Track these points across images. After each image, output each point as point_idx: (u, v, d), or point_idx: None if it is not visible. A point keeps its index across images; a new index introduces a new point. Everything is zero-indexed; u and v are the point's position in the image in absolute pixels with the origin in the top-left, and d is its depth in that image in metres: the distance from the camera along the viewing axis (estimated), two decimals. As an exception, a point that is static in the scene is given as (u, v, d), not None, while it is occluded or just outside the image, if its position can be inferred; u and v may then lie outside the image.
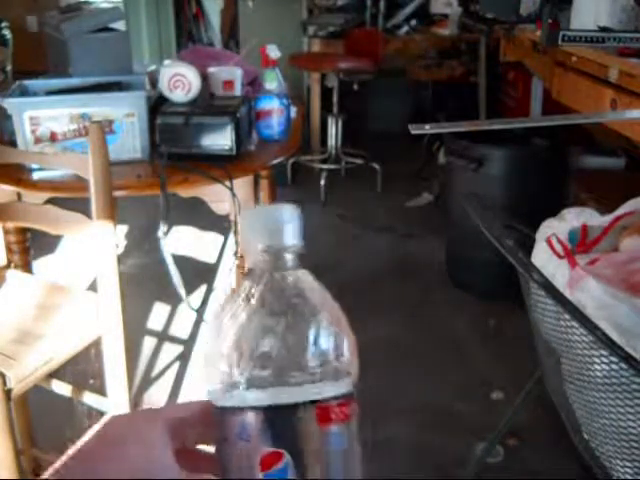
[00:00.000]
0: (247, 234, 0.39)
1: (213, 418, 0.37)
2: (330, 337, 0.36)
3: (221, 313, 0.38)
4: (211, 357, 0.37)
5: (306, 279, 0.38)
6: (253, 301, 0.37)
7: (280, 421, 0.34)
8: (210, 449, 0.39)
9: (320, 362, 0.35)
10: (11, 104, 1.68)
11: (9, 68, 3.47)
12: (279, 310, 0.36)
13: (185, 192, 1.71)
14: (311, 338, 0.35)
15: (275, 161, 1.83)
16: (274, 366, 0.35)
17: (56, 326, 1.45)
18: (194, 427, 0.39)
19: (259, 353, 0.35)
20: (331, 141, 3.97)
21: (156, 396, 2.13)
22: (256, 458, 0.34)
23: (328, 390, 0.35)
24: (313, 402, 0.35)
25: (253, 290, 0.37)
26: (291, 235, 0.38)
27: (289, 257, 0.38)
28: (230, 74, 1.91)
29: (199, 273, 2.88)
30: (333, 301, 0.38)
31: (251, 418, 0.35)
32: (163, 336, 2.48)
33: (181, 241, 3.11)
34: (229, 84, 1.90)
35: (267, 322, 0.36)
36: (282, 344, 0.35)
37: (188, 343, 2.42)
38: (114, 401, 1.52)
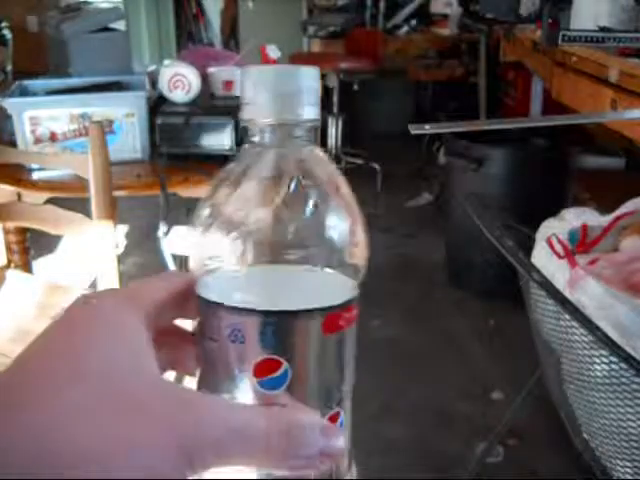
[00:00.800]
0: (252, 99, 0.31)
1: (196, 307, 0.32)
2: (343, 225, 0.31)
3: (216, 189, 0.32)
4: (201, 237, 0.31)
5: (320, 159, 0.32)
6: (254, 176, 0.31)
7: (281, 326, 0.30)
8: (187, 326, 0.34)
9: (329, 249, 0.31)
10: (11, 104, 1.68)
11: (9, 68, 3.47)
12: (284, 188, 0.30)
13: (185, 192, 1.71)
14: (324, 221, 0.31)
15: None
16: (274, 247, 0.30)
17: (56, 326, 1.45)
18: (172, 309, 0.33)
19: (257, 231, 0.30)
20: (331, 141, 3.97)
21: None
22: (250, 363, 0.30)
23: (337, 296, 0.31)
24: (321, 309, 0.30)
25: (255, 165, 0.31)
26: (310, 105, 0.31)
27: (302, 132, 0.32)
28: (230, 74, 1.91)
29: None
30: (348, 189, 0.33)
31: (247, 320, 0.30)
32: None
33: (181, 241, 3.11)
34: (229, 84, 1.89)
35: (269, 198, 0.30)
36: (288, 223, 0.30)
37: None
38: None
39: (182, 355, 0.34)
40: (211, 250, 0.31)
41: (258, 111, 0.31)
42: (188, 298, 0.32)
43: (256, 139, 0.32)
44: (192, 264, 0.32)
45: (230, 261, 0.30)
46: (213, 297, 0.31)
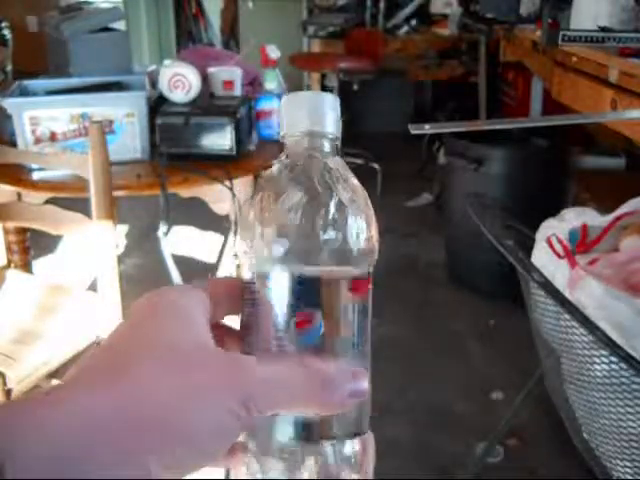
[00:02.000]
0: (288, 117, 0.40)
1: (242, 292, 0.38)
2: (362, 222, 0.38)
3: (258, 193, 0.39)
4: (246, 232, 0.38)
5: (341, 167, 0.39)
6: (290, 180, 0.38)
7: (317, 285, 0.36)
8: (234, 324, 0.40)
9: (351, 240, 0.37)
10: (11, 104, 1.68)
11: (9, 68, 3.47)
12: (315, 190, 0.37)
13: (185, 192, 1.71)
14: (347, 216, 0.37)
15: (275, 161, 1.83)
16: (309, 244, 0.36)
17: (56, 326, 1.45)
18: (222, 303, 0.39)
19: (294, 229, 0.36)
20: (331, 141, 3.97)
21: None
22: (291, 318, 0.36)
23: (362, 267, 0.38)
24: (350, 275, 0.37)
25: (291, 170, 0.38)
26: (332, 123, 0.40)
27: (328, 144, 0.39)
28: (230, 74, 1.91)
29: (199, 273, 2.88)
30: (363, 190, 0.39)
31: (289, 281, 0.36)
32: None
33: (181, 241, 3.11)
34: (229, 84, 1.90)
35: (303, 201, 0.37)
36: (320, 224, 0.36)
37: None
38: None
39: (228, 346, 0.39)
40: (259, 251, 0.37)
41: (294, 124, 0.39)
42: (238, 298, 0.39)
43: (291, 149, 0.39)
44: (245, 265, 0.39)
45: (274, 258, 0.37)
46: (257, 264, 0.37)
